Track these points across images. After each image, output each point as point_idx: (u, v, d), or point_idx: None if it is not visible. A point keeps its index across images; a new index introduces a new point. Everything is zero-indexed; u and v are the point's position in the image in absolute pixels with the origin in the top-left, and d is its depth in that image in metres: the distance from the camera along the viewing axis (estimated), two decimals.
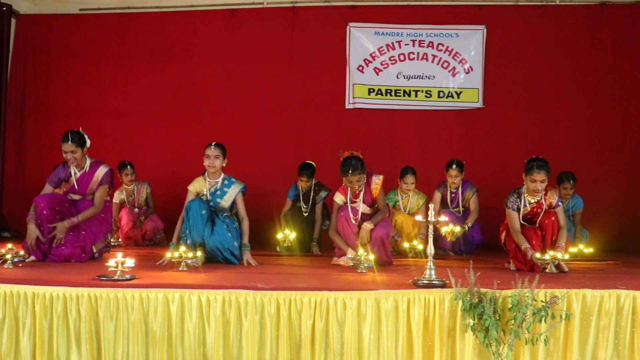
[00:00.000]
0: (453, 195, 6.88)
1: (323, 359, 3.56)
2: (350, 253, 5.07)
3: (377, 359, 3.56)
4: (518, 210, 5.01)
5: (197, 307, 3.58)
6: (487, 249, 6.73)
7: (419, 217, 4.24)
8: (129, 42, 8.45)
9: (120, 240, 7.06)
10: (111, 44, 8.47)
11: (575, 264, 5.39)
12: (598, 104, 7.98)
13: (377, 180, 5.34)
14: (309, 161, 7.01)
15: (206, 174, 5.32)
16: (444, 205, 6.86)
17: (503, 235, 5.25)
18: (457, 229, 6.38)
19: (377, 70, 8.26)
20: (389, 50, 8.26)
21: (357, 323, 3.56)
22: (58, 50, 8.52)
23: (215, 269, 4.69)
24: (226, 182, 5.33)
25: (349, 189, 5.31)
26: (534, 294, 3.42)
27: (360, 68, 8.25)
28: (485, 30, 8.13)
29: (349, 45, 8.27)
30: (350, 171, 5.12)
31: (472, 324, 3.43)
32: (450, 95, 8.19)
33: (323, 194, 6.94)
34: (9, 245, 4.55)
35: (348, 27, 8.26)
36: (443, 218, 4.40)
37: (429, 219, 3.97)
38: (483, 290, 3.48)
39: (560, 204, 5.01)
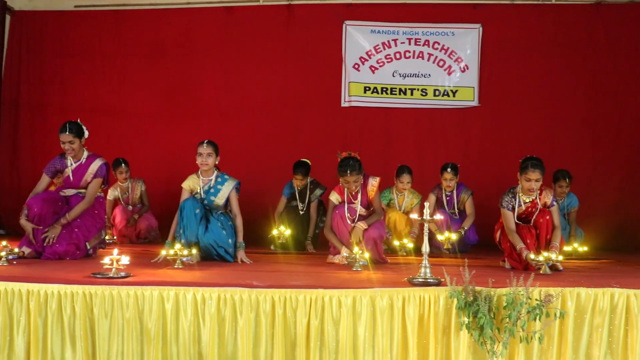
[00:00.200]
0: (448, 198, 6.89)
1: (318, 356, 3.56)
2: (345, 251, 5.08)
3: (372, 357, 3.57)
4: (513, 209, 5.02)
5: (192, 304, 3.58)
6: (482, 247, 6.74)
7: (414, 216, 4.24)
8: (124, 39, 8.43)
9: (115, 237, 7.04)
10: (107, 41, 8.45)
11: (570, 263, 5.40)
12: (593, 103, 8.01)
13: (373, 182, 5.35)
14: (303, 159, 7.01)
15: (200, 172, 5.32)
16: (439, 207, 6.86)
17: (498, 234, 5.26)
18: (454, 236, 6.38)
19: (373, 69, 8.26)
20: (385, 49, 8.27)
21: (352, 321, 3.57)
22: (53, 47, 8.49)
23: (210, 267, 4.69)
24: (219, 179, 5.33)
25: (345, 189, 5.32)
26: (528, 293, 3.43)
27: (356, 66, 8.25)
28: (481, 28, 8.14)
29: (345, 43, 8.27)
30: (348, 171, 5.12)
31: (467, 322, 3.44)
32: (446, 93, 8.19)
33: (318, 192, 6.93)
34: (4, 243, 4.54)
35: (344, 25, 8.26)
36: (438, 217, 4.41)
37: (424, 217, 3.98)
38: (478, 288, 3.49)
39: (555, 203, 5.02)
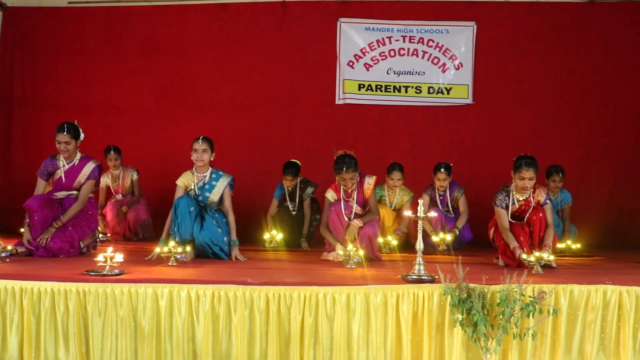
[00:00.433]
0: (441, 197, 6.89)
1: (312, 353, 3.57)
2: (339, 249, 5.08)
3: (366, 353, 3.58)
4: (507, 208, 5.03)
5: (187, 302, 3.58)
6: (476, 244, 6.76)
7: (408, 213, 4.24)
8: (118, 35, 8.40)
9: (108, 235, 7.02)
10: (100, 38, 8.41)
11: (563, 260, 5.42)
12: (587, 100, 8.03)
13: (369, 181, 5.38)
14: (293, 160, 7.02)
15: (194, 168, 5.32)
16: (433, 206, 6.86)
17: (492, 232, 5.28)
18: (449, 237, 6.38)
19: (368, 66, 8.26)
20: (379, 46, 8.26)
21: (347, 318, 3.58)
22: (46, 44, 8.45)
23: (204, 264, 4.69)
24: (214, 175, 5.34)
25: (341, 187, 5.32)
26: (522, 289, 3.44)
27: (351, 63, 8.25)
28: (475, 26, 8.15)
29: (339, 41, 8.26)
30: (344, 169, 5.14)
31: (460, 319, 3.45)
32: (440, 91, 8.20)
33: (310, 190, 6.95)
34: None
35: (338, 23, 8.25)
36: (432, 214, 4.42)
37: (418, 214, 3.98)
38: (472, 285, 3.50)
39: (548, 201, 5.04)
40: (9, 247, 4.83)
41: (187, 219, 5.02)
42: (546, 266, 4.60)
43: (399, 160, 6.99)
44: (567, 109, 8.06)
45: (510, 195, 5.03)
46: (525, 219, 5.00)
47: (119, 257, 3.89)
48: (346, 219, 5.24)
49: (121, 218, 7.20)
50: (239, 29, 8.28)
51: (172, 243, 4.67)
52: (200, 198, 5.27)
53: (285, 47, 8.29)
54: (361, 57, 8.26)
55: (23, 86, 8.49)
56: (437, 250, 6.40)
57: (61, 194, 5.25)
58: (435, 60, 8.22)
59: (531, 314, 3.42)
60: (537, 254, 4.51)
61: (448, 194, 6.88)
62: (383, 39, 8.26)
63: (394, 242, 6.09)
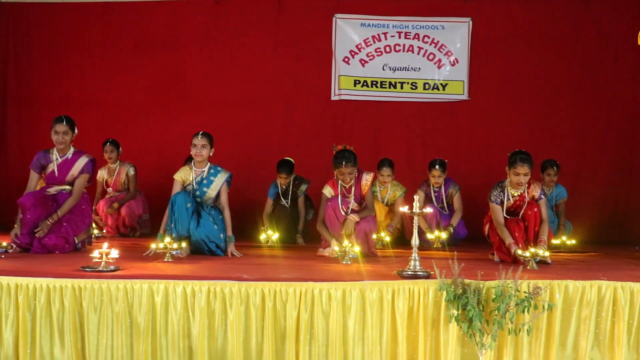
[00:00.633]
0: (436, 194, 6.90)
1: (308, 349, 3.57)
2: (335, 244, 5.09)
3: (362, 349, 3.58)
4: (502, 204, 5.04)
5: (182, 298, 3.58)
6: (471, 240, 6.77)
7: (404, 209, 4.24)
8: (113, 31, 8.36)
9: (104, 231, 7.01)
10: (95, 34, 8.37)
11: (558, 256, 5.44)
12: (582, 97, 8.03)
13: (367, 177, 5.40)
14: (287, 157, 7.03)
15: (192, 163, 5.32)
16: (428, 203, 6.86)
17: (487, 228, 5.29)
18: (444, 235, 6.39)
19: (363, 62, 8.25)
20: (374, 42, 8.26)
21: (342, 314, 3.58)
22: (41, 40, 8.41)
23: (200, 260, 4.69)
24: (212, 170, 5.34)
25: (339, 183, 5.33)
26: (517, 285, 3.46)
27: (346, 59, 8.24)
28: (470, 22, 8.15)
29: (335, 37, 8.25)
30: (343, 163, 5.16)
31: (456, 314, 3.46)
32: (435, 87, 8.20)
33: (303, 187, 6.97)
34: None
35: (334, 19, 8.23)
36: (428, 210, 4.42)
37: (414, 210, 3.99)
38: (467, 281, 3.51)
39: (542, 196, 5.05)
40: (4, 244, 4.82)
41: (184, 216, 5.02)
42: (541, 262, 4.62)
43: (395, 156, 6.99)
44: (562, 105, 8.07)
45: (505, 190, 5.04)
46: (520, 215, 5.02)
47: (115, 253, 3.89)
48: (343, 213, 5.25)
49: (111, 213, 7.15)
50: (234, 24, 8.25)
51: (167, 239, 4.67)
52: (197, 193, 5.27)
53: (280, 43, 8.27)
54: (357, 53, 8.25)
55: (18, 82, 8.45)
56: (432, 247, 6.41)
57: (54, 189, 5.23)
58: (431, 57, 8.22)
59: (526, 310, 3.44)
60: (532, 250, 4.52)
61: (443, 190, 6.90)
62: (378, 34, 8.25)
63: (386, 238, 6.10)
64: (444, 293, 3.51)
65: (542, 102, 8.09)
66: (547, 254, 4.65)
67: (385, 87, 8.23)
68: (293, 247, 6.40)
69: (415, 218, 4.01)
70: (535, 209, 4.92)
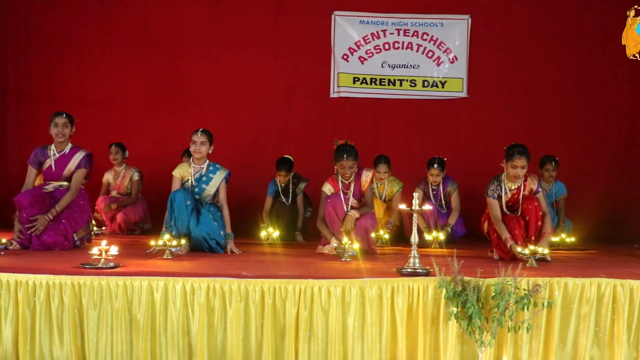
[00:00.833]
0: (434, 192, 6.90)
1: (307, 346, 3.57)
2: (334, 242, 5.09)
3: (361, 346, 3.58)
4: (499, 198, 5.04)
5: (182, 295, 3.57)
6: (470, 238, 6.77)
7: (402, 206, 4.24)
8: (112, 28, 8.33)
9: (104, 228, 7.00)
10: (94, 31, 8.35)
11: (557, 253, 5.44)
12: (582, 94, 8.03)
13: (367, 174, 5.41)
14: (286, 155, 7.04)
15: (191, 160, 5.32)
16: (426, 201, 6.86)
17: (485, 225, 5.27)
18: (442, 236, 6.38)
19: (362, 59, 8.24)
20: (373, 39, 8.25)
21: (342, 311, 3.58)
22: (40, 37, 8.38)
23: (199, 257, 4.68)
24: (211, 167, 5.34)
25: (338, 180, 5.33)
26: (516, 283, 3.46)
27: (345, 57, 8.23)
28: (469, 19, 8.14)
29: (334, 34, 8.24)
30: (344, 156, 5.18)
31: (455, 312, 3.46)
32: (434, 84, 8.19)
33: (302, 185, 6.99)
34: None
35: (333, 16, 8.22)
36: (427, 207, 4.42)
37: (413, 207, 3.99)
38: (467, 278, 3.51)
39: (540, 189, 5.05)
40: (4, 240, 4.82)
41: (184, 213, 5.02)
42: (541, 260, 4.62)
43: (394, 153, 6.98)
44: (561, 102, 8.06)
45: (502, 184, 5.05)
46: (519, 211, 5.01)
47: (114, 250, 3.89)
48: (345, 209, 5.25)
49: (107, 212, 7.16)
50: (233, 22, 8.23)
51: (167, 236, 4.67)
52: (196, 190, 5.27)
53: (279, 40, 8.26)
54: (356, 51, 8.24)
55: (17, 79, 8.42)
56: (430, 247, 6.40)
57: (51, 186, 5.23)
58: (430, 54, 8.22)
59: (526, 307, 3.43)
60: (532, 247, 4.52)
61: (441, 188, 6.88)
62: (377, 32, 8.25)
63: (385, 236, 6.09)
64: (444, 290, 3.51)
65: (541, 100, 8.08)
66: (546, 251, 4.65)
67: (384, 85, 8.22)
68: (292, 244, 6.40)
69: (414, 215, 4.01)
70: (536, 204, 4.91)
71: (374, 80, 8.22)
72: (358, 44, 8.24)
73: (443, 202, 6.89)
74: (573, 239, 6.34)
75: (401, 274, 3.78)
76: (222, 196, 5.33)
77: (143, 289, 3.58)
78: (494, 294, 3.46)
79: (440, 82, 8.19)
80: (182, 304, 3.57)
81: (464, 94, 8.16)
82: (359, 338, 3.58)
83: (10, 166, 8.25)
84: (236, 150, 7.86)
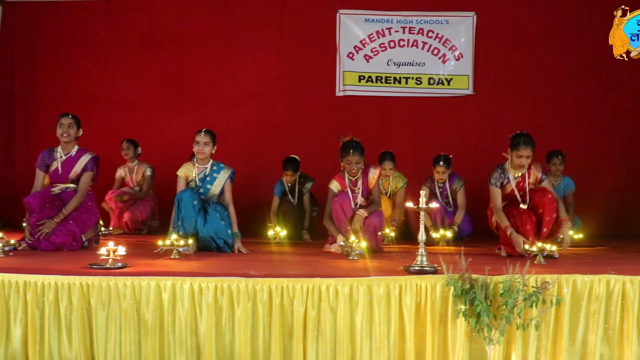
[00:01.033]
0: (441, 189, 6.88)
1: (315, 345, 3.57)
2: (341, 240, 5.08)
3: (370, 345, 3.58)
4: (502, 186, 5.03)
5: (189, 295, 3.58)
6: (477, 236, 6.75)
7: (409, 204, 4.23)
8: (118, 29, 8.37)
9: (111, 229, 7.02)
10: (100, 32, 8.39)
11: (566, 250, 5.40)
12: (588, 90, 8.01)
13: (374, 171, 5.41)
14: (292, 155, 7.04)
15: (195, 160, 5.33)
16: (432, 199, 6.84)
17: (493, 220, 5.23)
18: (449, 234, 6.36)
19: (368, 58, 8.24)
20: (379, 37, 8.24)
21: (349, 310, 3.57)
22: (46, 38, 8.43)
23: (207, 257, 4.69)
24: (215, 167, 5.35)
25: (345, 177, 5.33)
26: (525, 280, 3.45)
27: (351, 55, 8.23)
28: (475, 17, 8.12)
29: (339, 32, 8.24)
30: (351, 151, 5.17)
31: (463, 309, 3.45)
32: (440, 82, 8.18)
33: (309, 184, 7.01)
34: (0, 234, 4.52)
35: (338, 14, 8.22)
36: (434, 204, 4.41)
37: (420, 205, 3.98)
38: (474, 276, 3.50)
39: (544, 177, 5.05)
40: (12, 241, 4.83)
41: (191, 213, 5.02)
42: (549, 256, 4.60)
43: (400, 151, 6.97)
44: (568, 99, 8.04)
45: (506, 172, 5.04)
46: (527, 204, 4.97)
47: (122, 250, 3.89)
48: (353, 206, 5.25)
49: (117, 201, 7.22)
50: (238, 21, 8.25)
51: (174, 236, 4.67)
52: (201, 190, 5.27)
53: (285, 39, 8.27)
54: (361, 49, 8.24)
55: (23, 81, 8.47)
56: (437, 245, 6.39)
57: (58, 188, 5.25)
58: (435, 51, 8.20)
59: (534, 305, 3.42)
60: (539, 244, 4.50)
61: (447, 185, 6.86)
62: (383, 30, 8.24)
63: (391, 234, 6.09)
64: (452, 288, 3.50)
65: (548, 96, 8.06)
66: (554, 248, 4.63)
67: (390, 83, 8.22)
68: (300, 243, 6.41)
69: (422, 213, 4.00)
70: (550, 196, 4.86)
71: (379, 78, 8.22)
72: (363, 42, 8.23)
73: (450, 199, 6.87)
74: (581, 236, 6.31)
75: (409, 272, 3.77)
76: (228, 195, 5.34)
77: (151, 289, 3.58)
78: (502, 291, 3.45)
79: (446, 79, 8.18)
80: (190, 304, 3.57)
81: (469, 91, 8.14)
82: (367, 337, 3.58)
83: (18, 168, 8.30)
84: (243, 150, 7.88)
